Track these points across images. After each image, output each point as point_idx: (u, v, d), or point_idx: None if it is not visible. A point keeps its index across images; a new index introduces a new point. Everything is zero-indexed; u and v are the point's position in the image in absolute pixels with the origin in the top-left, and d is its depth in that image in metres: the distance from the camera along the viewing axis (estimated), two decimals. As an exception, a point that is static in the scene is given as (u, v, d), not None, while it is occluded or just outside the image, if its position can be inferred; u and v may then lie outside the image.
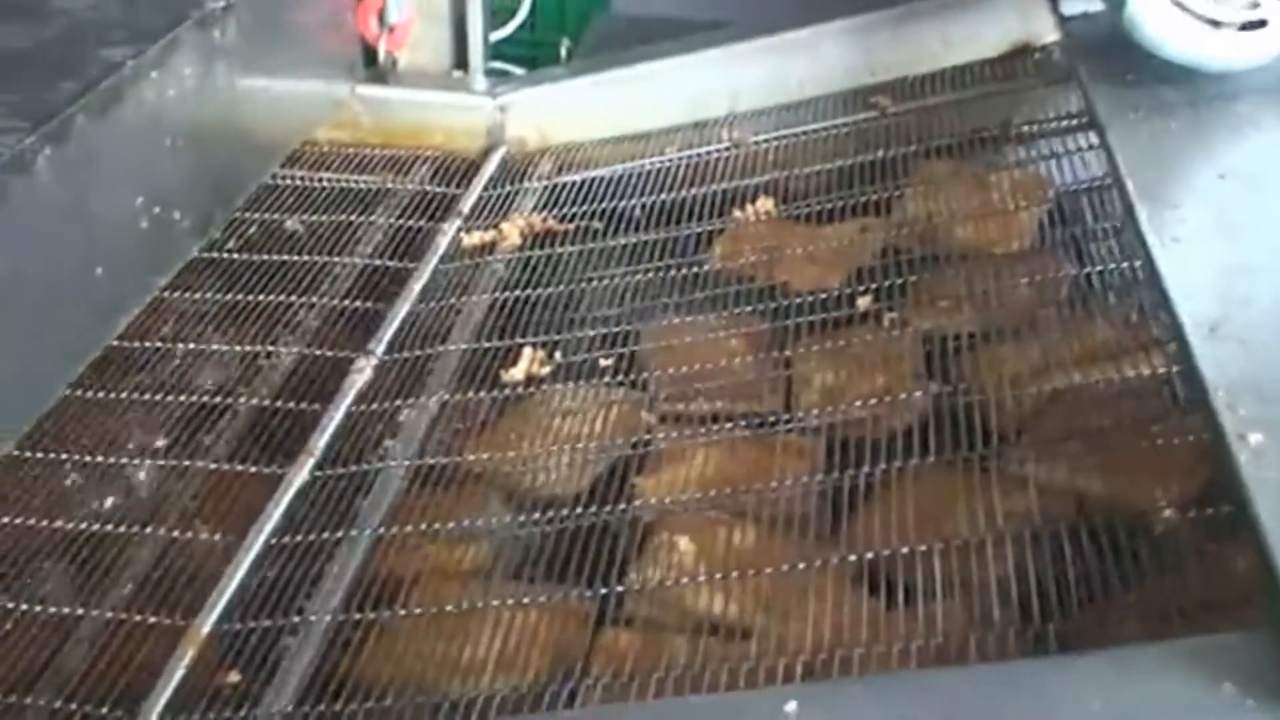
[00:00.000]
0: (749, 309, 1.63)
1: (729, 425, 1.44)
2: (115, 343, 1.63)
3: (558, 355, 1.66)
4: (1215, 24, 1.56)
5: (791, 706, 0.92)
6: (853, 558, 1.19)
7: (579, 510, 1.36)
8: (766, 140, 2.07)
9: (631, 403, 1.53)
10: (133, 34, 1.63)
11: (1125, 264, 1.51)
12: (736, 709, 0.96)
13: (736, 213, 1.88)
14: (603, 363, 1.62)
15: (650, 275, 1.75)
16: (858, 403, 1.39)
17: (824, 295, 1.58)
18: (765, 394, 1.47)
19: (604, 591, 1.25)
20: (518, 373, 1.66)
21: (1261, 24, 1.56)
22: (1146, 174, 1.44)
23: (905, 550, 1.18)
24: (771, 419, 1.44)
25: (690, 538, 1.26)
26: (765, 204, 1.89)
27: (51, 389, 1.49)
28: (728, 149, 2.06)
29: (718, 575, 1.21)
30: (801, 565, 1.19)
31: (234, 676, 1.29)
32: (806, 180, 1.92)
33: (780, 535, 1.26)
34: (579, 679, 1.16)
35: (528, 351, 1.68)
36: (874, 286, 1.57)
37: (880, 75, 2.16)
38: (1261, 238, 1.31)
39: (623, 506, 1.35)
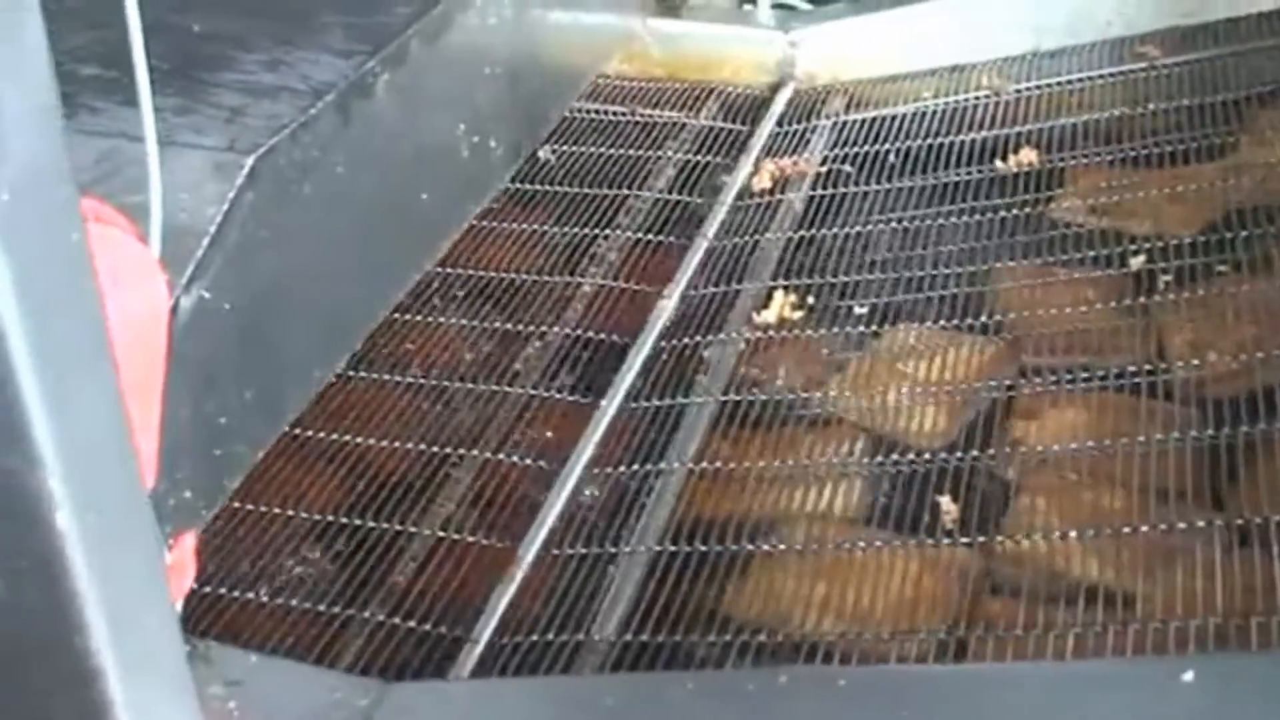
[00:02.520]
0: (1096, 253, 1.56)
1: (1091, 378, 1.37)
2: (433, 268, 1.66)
3: (886, 297, 1.61)
4: None
5: (1189, 676, 0.85)
6: (1239, 521, 1.11)
7: (946, 458, 1.33)
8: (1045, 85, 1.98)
9: (985, 349, 1.47)
10: (458, -41, 1.63)
11: None
12: (1131, 676, 0.89)
13: (999, 163, 1.81)
14: (943, 307, 1.57)
15: (980, 217, 1.68)
16: (1229, 357, 1.30)
17: (1181, 242, 1.49)
18: (1129, 346, 1.40)
19: (978, 546, 1.21)
20: (769, 316, 1.63)
21: None
22: None
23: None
24: (1136, 372, 1.36)
25: (1061, 500, 1.20)
26: (1029, 154, 1.81)
27: (379, 309, 1.51)
28: (1037, 87, 1.98)
29: (1090, 536, 1.16)
30: (1183, 527, 1.11)
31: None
32: (1134, 122, 1.82)
33: (1154, 497, 1.18)
34: (963, 635, 1.12)
35: (779, 295, 1.65)
36: (1233, 236, 1.47)
37: (1198, 16, 2.05)
38: None
39: (991, 460, 1.31)
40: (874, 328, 1.56)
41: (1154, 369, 1.36)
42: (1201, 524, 1.13)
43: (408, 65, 1.46)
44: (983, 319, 1.51)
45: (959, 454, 1.32)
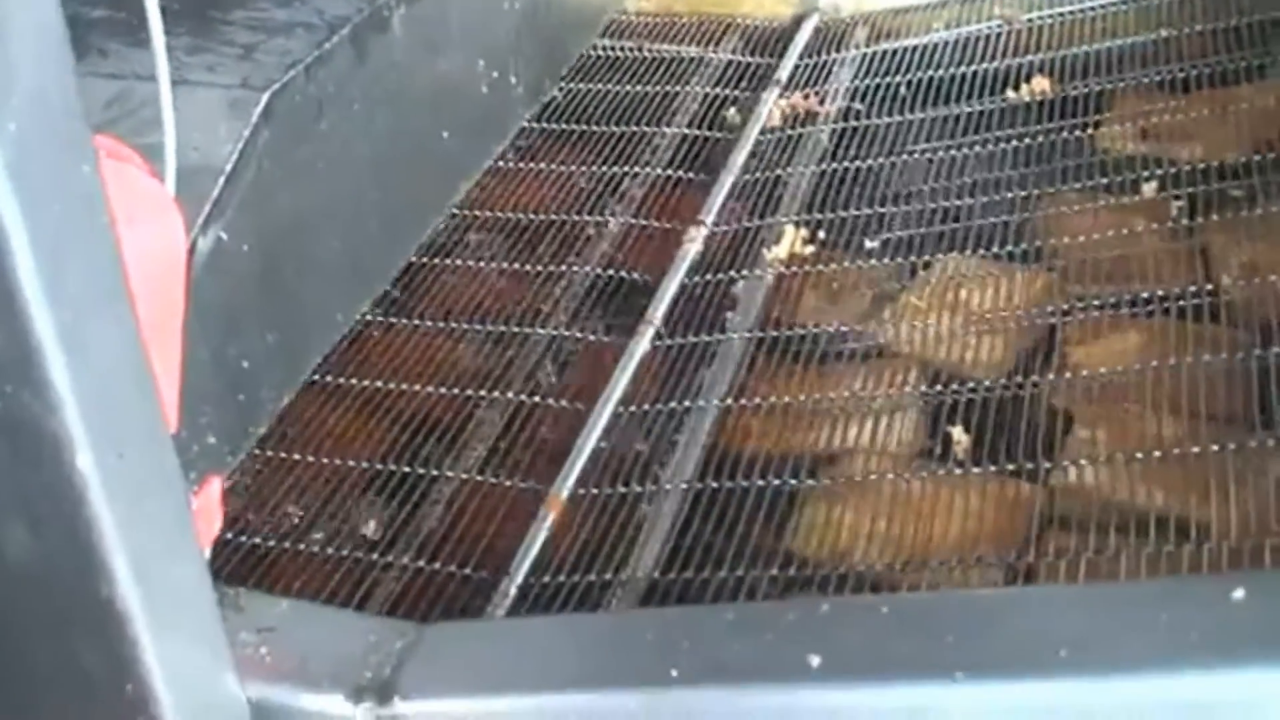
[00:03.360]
0: (1148, 175, 1.52)
1: (1144, 305, 1.34)
2: (454, 208, 1.63)
3: (920, 227, 1.57)
4: None
5: (1239, 594, 0.83)
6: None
7: (1005, 384, 1.30)
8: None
9: (1033, 278, 1.44)
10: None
11: None
12: (1179, 594, 0.87)
13: (1010, 92, 1.79)
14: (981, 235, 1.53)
15: (1013, 144, 1.65)
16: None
17: (1233, 164, 1.45)
18: (1181, 272, 1.36)
19: (1037, 476, 1.19)
20: (780, 252, 1.60)
21: None
22: None
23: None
24: (1196, 293, 1.33)
25: (1116, 427, 1.18)
26: (1041, 82, 1.78)
27: (400, 251, 1.49)
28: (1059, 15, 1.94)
29: (1145, 460, 1.13)
30: (1232, 448, 1.08)
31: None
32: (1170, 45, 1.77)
33: (1205, 420, 1.16)
34: (1022, 564, 1.10)
35: (789, 230, 1.61)
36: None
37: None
38: None
39: (1041, 388, 1.28)
40: (924, 258, 1.52)
41: (1210, 291, 1.32)
42: (1254, 445, 1.10)
43: (424, -1, 1.43)
44: (1033, 245, 1.48)
45: (1016, 381, 1.29)
